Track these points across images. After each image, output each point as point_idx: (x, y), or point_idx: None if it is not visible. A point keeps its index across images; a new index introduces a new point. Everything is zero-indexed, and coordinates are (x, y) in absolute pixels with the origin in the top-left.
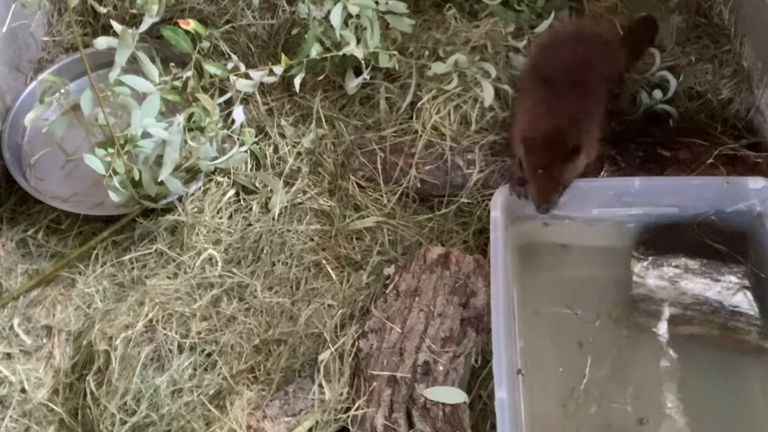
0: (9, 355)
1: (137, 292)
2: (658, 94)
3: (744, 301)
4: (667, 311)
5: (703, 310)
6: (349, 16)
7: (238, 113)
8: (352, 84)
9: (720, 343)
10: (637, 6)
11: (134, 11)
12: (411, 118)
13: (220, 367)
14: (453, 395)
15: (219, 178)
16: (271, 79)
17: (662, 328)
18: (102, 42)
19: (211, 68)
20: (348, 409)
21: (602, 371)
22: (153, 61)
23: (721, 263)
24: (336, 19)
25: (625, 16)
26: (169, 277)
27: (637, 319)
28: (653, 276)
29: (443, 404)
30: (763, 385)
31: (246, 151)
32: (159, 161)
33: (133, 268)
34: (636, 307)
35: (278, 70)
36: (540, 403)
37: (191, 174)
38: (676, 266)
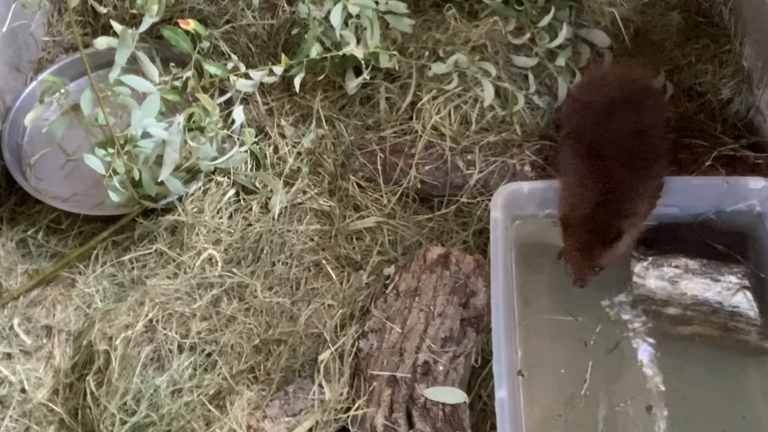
0: (9, 355)
1: (137, 292)
2: None
3: (744, 302)
4: (667, 311)
5: (703, 311)
6: (349, 16)
7: (238, 113)
8: (352, 84)
9: (720, 343)
10: None
11: (134, 11)
12: (411, 118)
13: (220, 367)
14: (453, 395)
15: (219, 178)
16: (271, 79)
17: (662, 329)
18: (102, 42)
19: (211, 68)
20: (348, 409)
21: (603, 374)
22: (153, 61)
23: (721, 263)
24: (336, 19)
25: (625, 9)
26: (169, 277)
27: (637, 320)
28: (653, 276)
29: (443, 404)
30: (763, 385)
31: (246, 151)
32: (159, 161)
33: (133, 268)
34: (636, 308)
35: (278, 70)
36: (542, 406)
37: (191, 174)
38: (676, 266)
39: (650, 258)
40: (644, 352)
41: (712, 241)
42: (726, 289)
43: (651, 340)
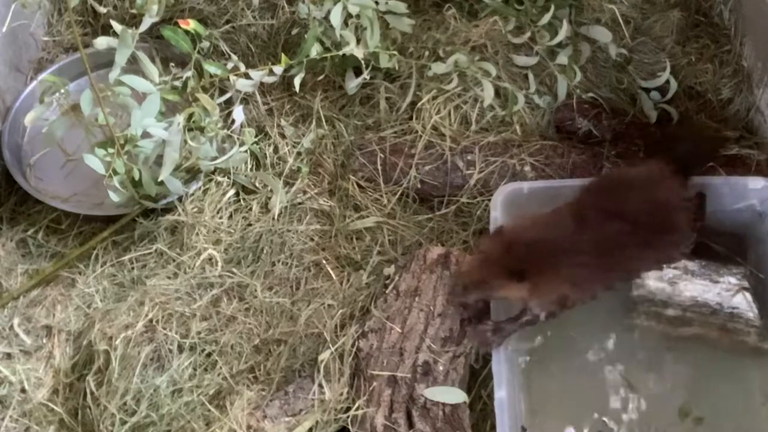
0: (9, 355)
1: (137, 292)
2: (656, 95)
3: (743, 303)
4: (666, 313)
5: (702, 312)
6: (349, 16)
7: (238, 113)
8: (352, 84)
9: (719, 345)
10: None
11: (134, 11)
12: (411, 118)
13: (220, 367)
14: (453, 395)
15: (219, 178)
16: (271, 79)
17: (661, 330)
18: (102, 42)
19: (211, 68)
20: (348, 409)
21: (604, 374)
22: (153, 61)
23: (721, 264)
24: (336, 19)
25: (625, 6)
26: (169, 277)
27: (636, 321)
28: (653, 277)
29: (443, 404)
30: (762, 386)
31: (246, 151)
32: (159, 161)
33: (133, 268)
34: (635, 309)
35: (278, 70)
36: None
37: (191, 174)
38: (675, 267)
39: None
40: (644, 354)
41: (712, 242)
42: (725, 290)
43: (650, 342)
